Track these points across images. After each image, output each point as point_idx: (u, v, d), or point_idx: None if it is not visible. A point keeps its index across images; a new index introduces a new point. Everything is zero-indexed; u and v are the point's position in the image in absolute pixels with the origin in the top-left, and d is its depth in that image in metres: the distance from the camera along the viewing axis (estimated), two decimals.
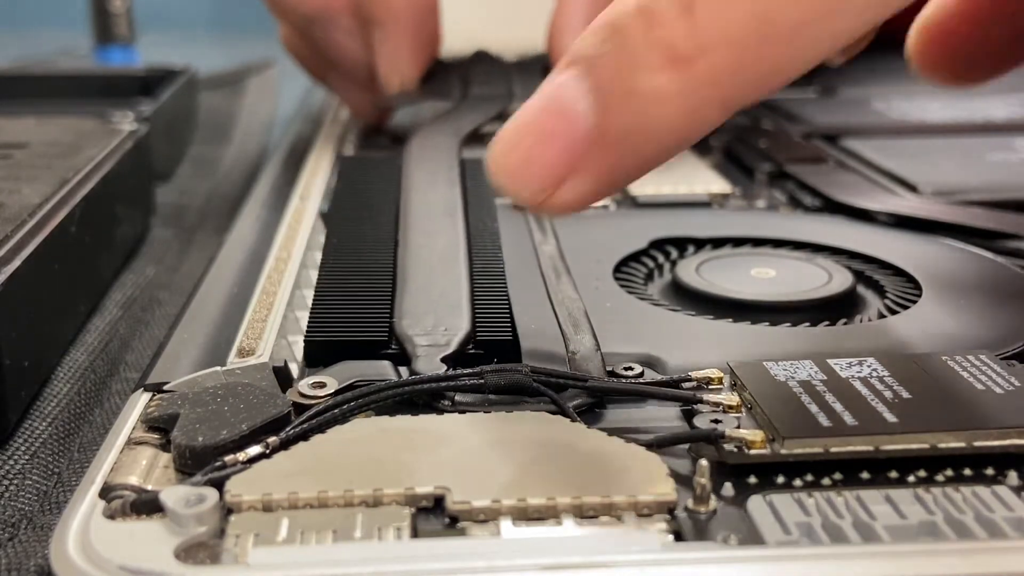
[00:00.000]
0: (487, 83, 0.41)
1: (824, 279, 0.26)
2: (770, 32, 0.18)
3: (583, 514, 0.16)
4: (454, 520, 0.16)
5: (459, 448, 0.18)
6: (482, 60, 0.45)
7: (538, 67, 0.43)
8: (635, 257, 0.28)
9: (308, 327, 0.22)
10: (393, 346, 0.21)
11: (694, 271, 0.26)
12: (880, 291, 0.26)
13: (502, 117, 0.38)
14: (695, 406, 0.19)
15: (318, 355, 0.21)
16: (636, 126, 0.18)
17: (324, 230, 0.29)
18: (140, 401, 0.20)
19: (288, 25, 0.42)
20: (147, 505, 0.17)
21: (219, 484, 0.17)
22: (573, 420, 0.19)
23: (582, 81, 0.19)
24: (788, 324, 0.24)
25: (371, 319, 0.22)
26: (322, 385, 0.20)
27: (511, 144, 0.19)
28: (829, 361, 0.20)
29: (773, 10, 0.17)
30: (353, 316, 0.22)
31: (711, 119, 0.18)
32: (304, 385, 0.20)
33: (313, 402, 0.19)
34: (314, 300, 0.23)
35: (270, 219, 0.32)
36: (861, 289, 0.26)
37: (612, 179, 0.19)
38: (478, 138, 0.36)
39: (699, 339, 0.23)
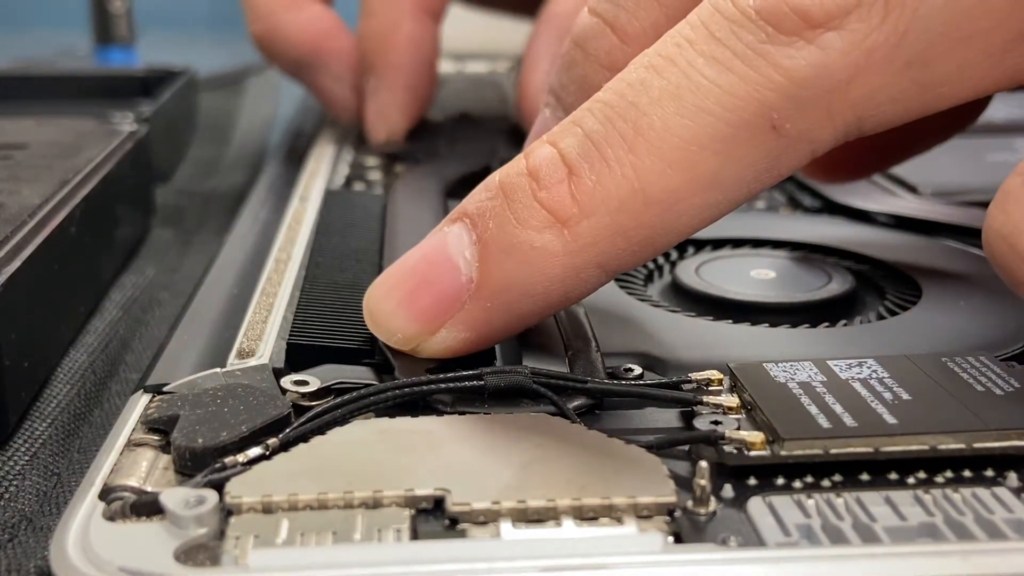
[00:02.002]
0: (471, 140, 0.41)
1: (824, 280, 0.26)
2: (648, 201, 0.19)
3: (583, 516, 0.16)
4: (454, 522, 0.16)
5: (459, 450, 0.18)
6: (466, 120, 0.45)
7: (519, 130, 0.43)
8: None
9: (291, 332, 0.22)
10: (376, 356, 0.21)
11: (694, 272, 0.26)
12: (880, 292, 0.26)
13: (486, 171, 0.37)
14: (695, 407, 0.19)
15: (301, 361, 0.21)
16: (514, 282, 0.19)
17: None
18: (140, 402, 0.20)
19: (277, 65, 0.42)
20: (147, 507, 0.17)
21: (219, 486, 0.17)
22: (573, 421, 0.19)
23: (467, 234, 0.20)
24: (788, 325, 0.24)
25: (355, 329, 0.22)
26: (304, 383, 0.20)
27: (389, 287, 0.20)
28: (829, 362, 0.20)
29: (651, 182, 0.18)
30: (337, 325, 0.22)
31: (589, 281, 0.19)
32: (287, 382, 0.20)
33: (309, 403, 0.19)
34: (297, 309, 0.23)
35: (270, 219, 0.32)
36: (861, 290, 0.26)
37: (487, 332, 0.20)
38: (462, 184, 0.36)
39: (699, 340, 0.23)
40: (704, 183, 0.19)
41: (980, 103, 0.27)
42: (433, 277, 0.20)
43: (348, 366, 0.21)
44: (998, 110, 0.43)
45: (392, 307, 0.20)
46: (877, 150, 0.28)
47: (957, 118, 0.27)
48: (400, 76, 0.39)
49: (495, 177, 0.20)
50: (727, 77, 0.18)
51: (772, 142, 0.18)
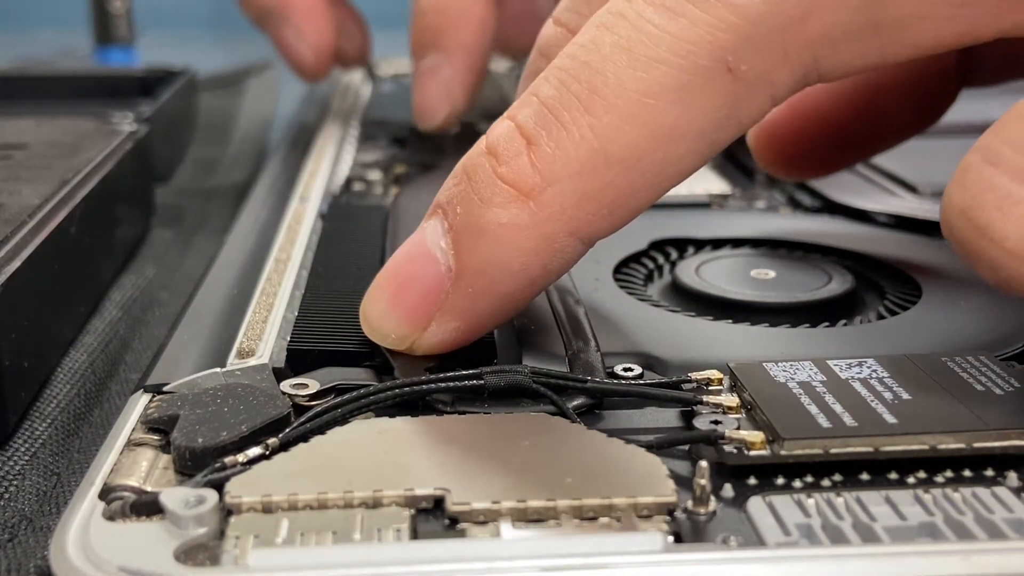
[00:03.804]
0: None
1: (823, 280, 0.26)
2: (609, 160, 0.18)
3: (583, 515, 0.16)
4: (454, 521, 0.16)
5: (459, 449, 0.18)
6: (469, 126, 0.45)
7: None
8: (635, 258, 0.28)
9: (292, 336, 0.22)
10: (376, 358, 0.21)
11: (694, 272, 0.26)
12: (880, 292, 0.26)
13: None
14: (695, 407, 0.19)
15: (301, 364, 0.21)
16: (490, 262, 0.19)
17: (318, 240, 0.29)
18: (140, 402, 0.20)
19: (246, 12, 0.42)
20: (147, 506, 0.17)
21: (219, 485, 0.17)
22: (573, 421, 0.19)
23: (440, 224, 0.19)
24: (787, 325, 0.24)
25: (355, 333, 0.22)
26: (304, 386, 0.20)
27: (377, 292, 0.20)
28: (829, 362, 0.20)
29: (610, 139, 0.18)
30: (337, 330, 0.22)
31: (566, 251, 0.19)
32: (286, 385, 0.20)
33: (309, 403, 0.19)
34: (298, 316, 0.23)
35: (270, 219, 0.32)
36: (861, 290, 0.26)
37: (476, 319, 0.20)
38: None
39: (699, 340, 0.23)
40: (664, 136, 0.18)
41: (947, 96, 0.27)
42: (415, 273, 0.20)
43: (348, 368, 0.21)
44: (996, 110, 0.43)
45: (382, 309, 0.20)
46: (845, 142, 0.28)
47: (924, 111, 0.27)
48: (469, 57, 0.38)
49: (460, 163, 0.20)
50: (677, 22, 0.18)
51: (729, 86, 0.18)
